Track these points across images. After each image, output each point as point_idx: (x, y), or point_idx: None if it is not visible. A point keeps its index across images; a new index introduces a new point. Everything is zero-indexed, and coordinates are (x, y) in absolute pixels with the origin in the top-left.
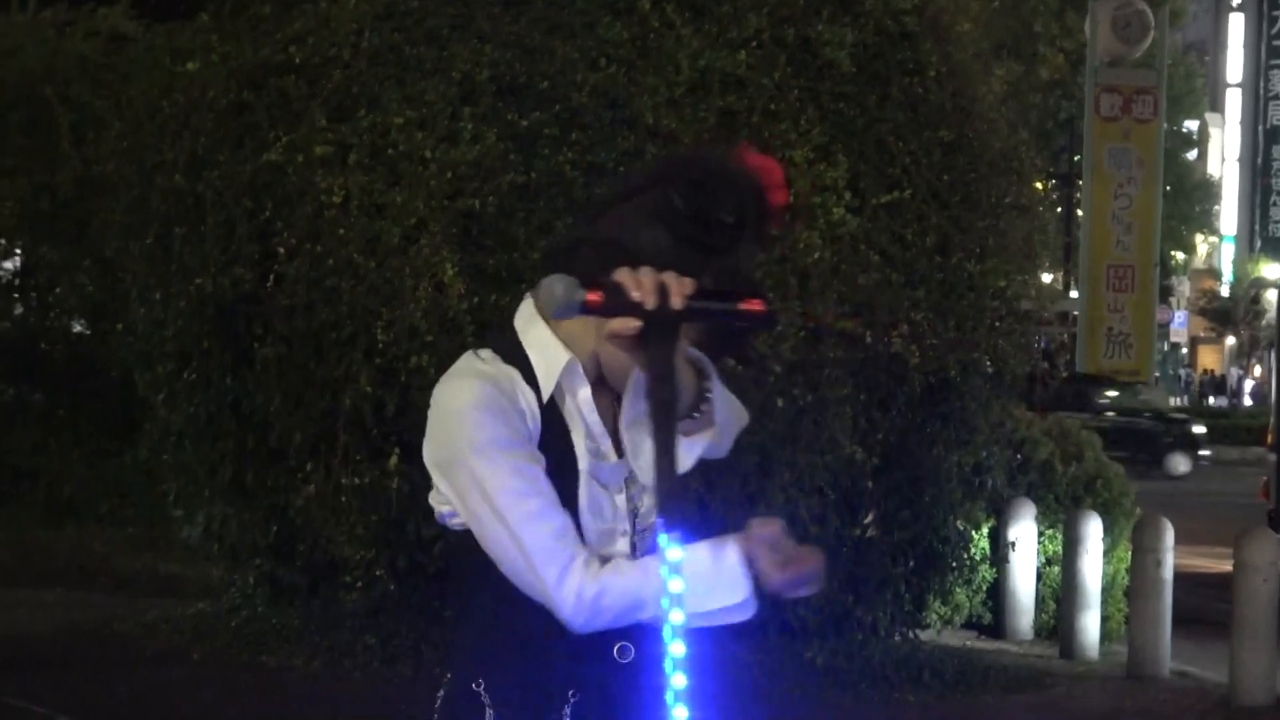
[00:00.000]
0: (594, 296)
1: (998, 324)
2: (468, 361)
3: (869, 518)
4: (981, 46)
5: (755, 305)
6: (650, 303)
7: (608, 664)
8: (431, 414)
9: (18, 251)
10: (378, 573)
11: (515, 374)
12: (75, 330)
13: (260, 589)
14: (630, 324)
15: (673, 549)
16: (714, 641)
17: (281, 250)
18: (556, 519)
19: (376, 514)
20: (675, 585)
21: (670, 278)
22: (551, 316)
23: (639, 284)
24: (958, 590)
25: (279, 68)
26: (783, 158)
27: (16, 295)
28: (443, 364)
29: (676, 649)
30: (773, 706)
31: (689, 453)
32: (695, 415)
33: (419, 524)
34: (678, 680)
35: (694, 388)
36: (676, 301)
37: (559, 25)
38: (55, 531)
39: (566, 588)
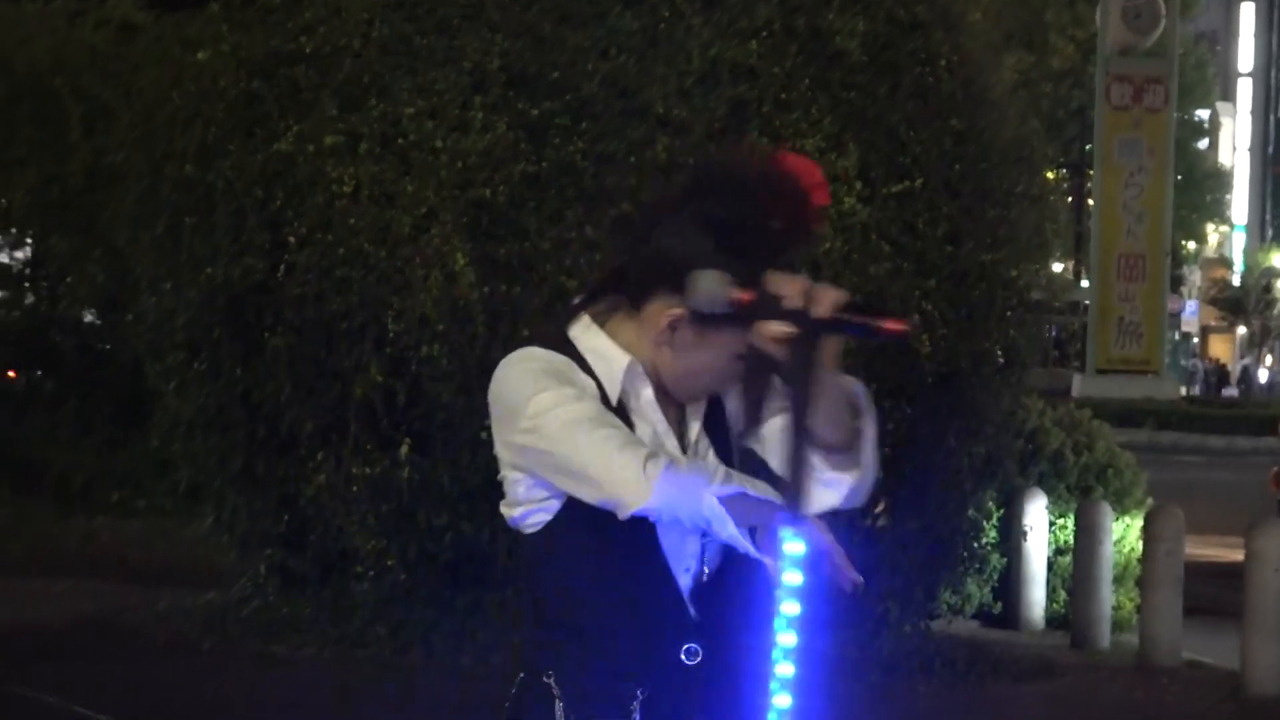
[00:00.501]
0: (744, 296)
1: (1009, 314)
2: (520, 352)
3: (880, 507)
4: (992, 36)
5: (897, 326)
6: (795, 299)
7: (675, 665)
8: (493, 405)
9: (28, 241)
10: (388, 562)
11: (573, 363)
12: (86, 320)
13: (271, 579)
14: (782, 329)
15: (792, 542)
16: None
17: (292, 240)
18: (624, 430)
19: (387, 504)
20: (793, 578)
21: (823, 288)
22: (699, 308)
23: (790, 288)
24: (968, 580)
25: (290, 57)
26: (793, 147)
27: (27, 285)
28: (454, 353)
29: (787, 639)
30: None
31: (832, 489)
32: (847, 451)
33: (429, 514)
34: (784, 669)
35: (849, 425)
36: (824, 310)
37: (569, 15)
38: (65, 521)
39: (636, 463)
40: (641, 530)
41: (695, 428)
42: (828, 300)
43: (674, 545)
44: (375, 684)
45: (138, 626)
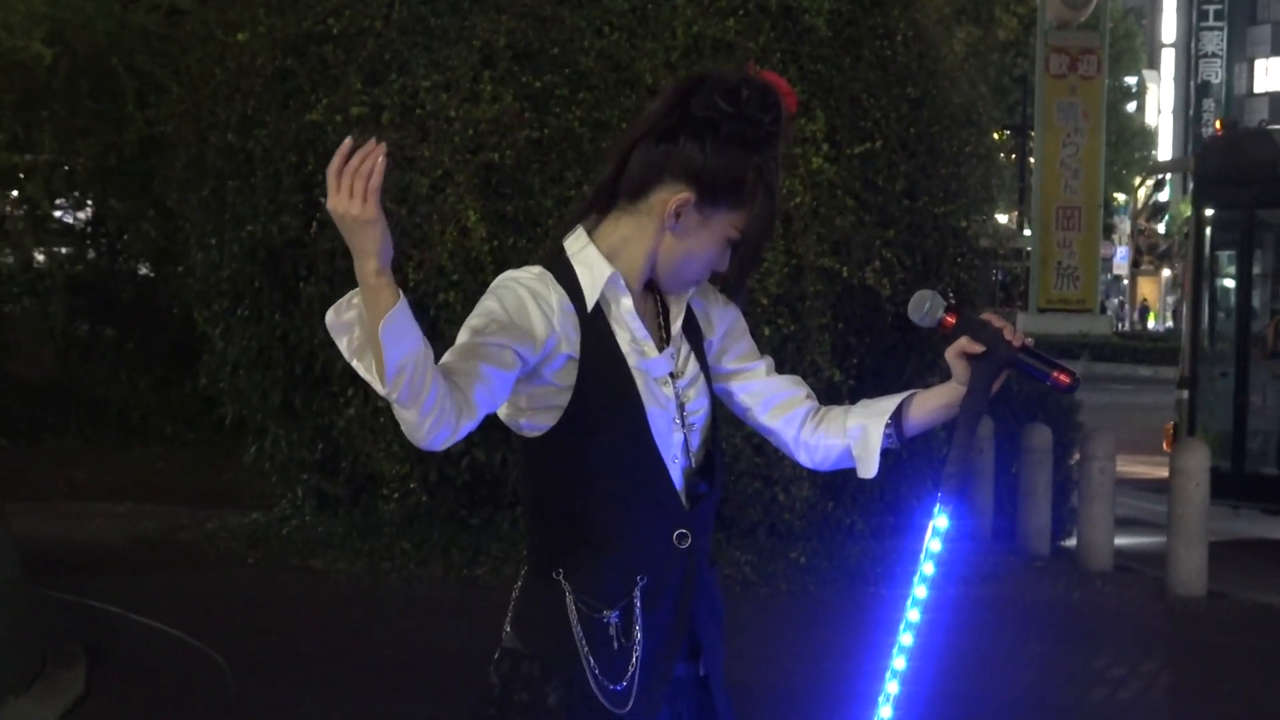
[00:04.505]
0: (951, 318)
1: (960, 259)
2: (501, 276)
3: None
4: (944, 12)
5: (1064, 378)
6: (1006, 335)
7: (669, 550)
8: None
9: (90, 203)
10: (412, 485)
11: (550, 277)
12: (141, 273)
13: (308, 501)
14: (975, 346)
15: (941, 517)
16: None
17: (323, 200)
18: (466, 339)
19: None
20: (935, 545)
21: (1016, 331)
22: (915, 320)
23: (995, 319)
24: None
25: (319, 37)
26: None
27: (89, 242)
28: (467, 300)
29: (920, 591)
30: (762, 599)
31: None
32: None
33: None
34: (913, 615)
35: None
36: (1016, 342)
37: None
38: (126, 451)
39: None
40: (636, 427)
41: (675, 331)
42: (1018, 339)
43: (663, 436)
44: (401, 592)
45: (190, 544)
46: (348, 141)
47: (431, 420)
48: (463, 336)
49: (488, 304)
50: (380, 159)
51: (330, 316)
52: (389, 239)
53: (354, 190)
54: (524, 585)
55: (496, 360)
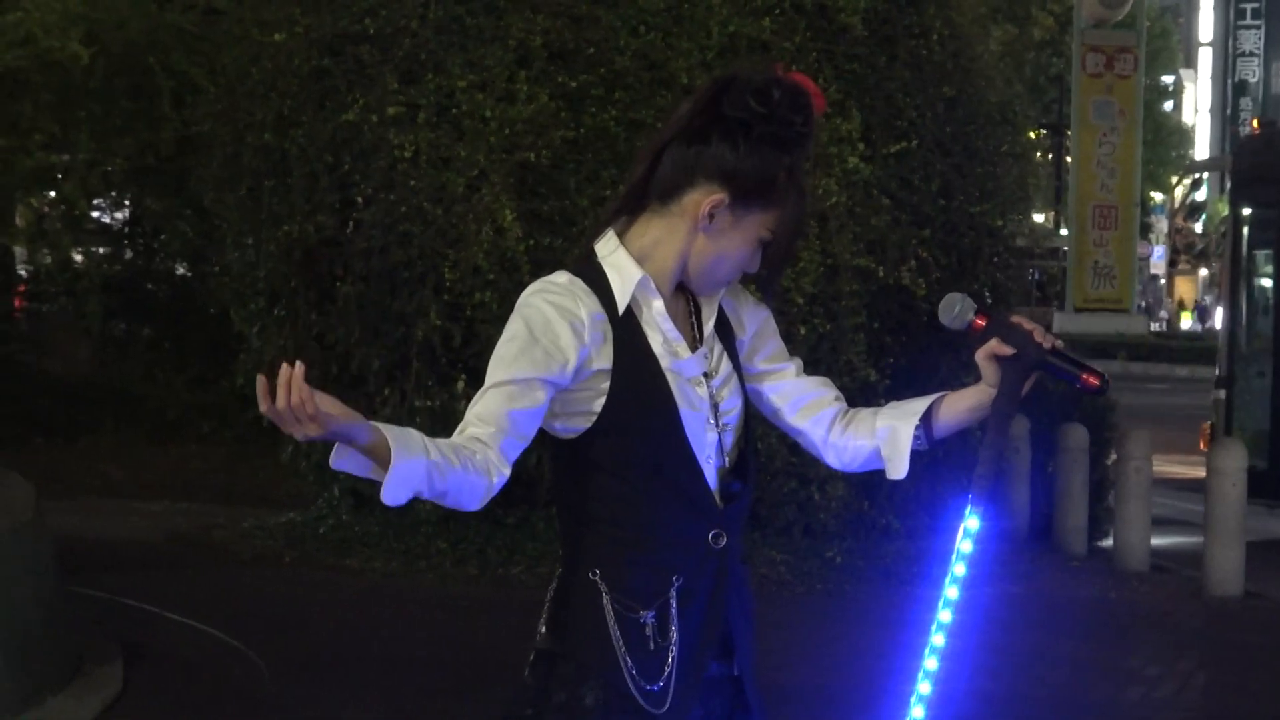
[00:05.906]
0: (981, 321)
1: (995, 259)
2: (530, 289)
3: None
4: (979, 10)
5: (1093, 380)
6: (1036, 337)
7: (704, 549)
8: None
9: (127, 203)
10: None
11: (580, 285)
12: (178, 272)
13: (344, 500)
14: (1005, 348)
15: (972, 519)
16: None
17: (359, 199)
18: (489, 398)
19: (446, 433)
20: (966, 546)
21: (1046, 333)
22: (945, 323)
23: (1026, 321)
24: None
25: (355, 37)
26: None
27: (126, 242)
28: (503, 299)
29: (952, 592)
30: (798, 599)
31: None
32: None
33: None
34: (944, 615)
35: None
36: (1046, 343)
37: None
38: (161, 450)
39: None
40: (670, 428)
41: (708, 331)
42: (1048, 340)
43: (697, 438)
44: (436, 592)
45: (226, 542)
46: (262, 381)
47: (464, 496)
48: (492, 372)
49: (515, 327)
50: (302, 385)
51: (333, 460)
52: (358, 420)
53: (300, 420)
54: (559, 586)
55: (525, 399)
